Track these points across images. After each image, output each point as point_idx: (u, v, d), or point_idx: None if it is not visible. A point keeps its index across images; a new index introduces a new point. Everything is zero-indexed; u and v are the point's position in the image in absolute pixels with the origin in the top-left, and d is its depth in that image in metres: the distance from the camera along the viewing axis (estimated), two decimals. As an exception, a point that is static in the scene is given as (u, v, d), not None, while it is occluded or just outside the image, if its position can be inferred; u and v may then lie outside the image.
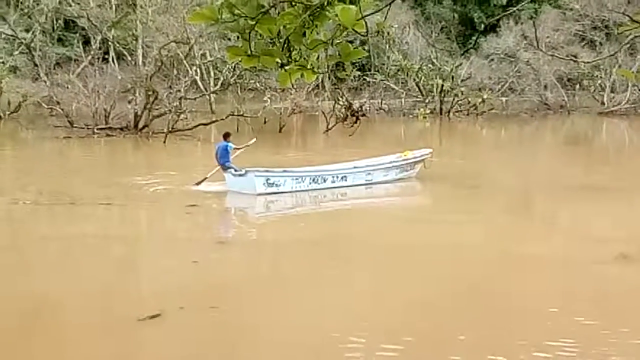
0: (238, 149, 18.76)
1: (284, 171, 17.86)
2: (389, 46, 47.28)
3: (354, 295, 9.87)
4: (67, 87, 35.43)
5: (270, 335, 8.34)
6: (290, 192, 17.42)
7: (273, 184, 17.32)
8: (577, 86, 45.95)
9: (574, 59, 38.21)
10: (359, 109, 37.71)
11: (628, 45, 39.03)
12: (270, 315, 9.01)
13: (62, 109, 33.51)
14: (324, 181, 17.98)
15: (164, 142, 28.65)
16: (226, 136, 18.83)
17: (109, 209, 15.92)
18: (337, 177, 18.22)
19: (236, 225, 15.54)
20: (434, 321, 8.62)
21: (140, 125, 31.91)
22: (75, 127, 32.18)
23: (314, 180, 17.87)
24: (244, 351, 8.02)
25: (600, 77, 43.66)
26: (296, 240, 13.58)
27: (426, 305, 9.22)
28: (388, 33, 44.60)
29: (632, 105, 42.61)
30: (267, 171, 17.55)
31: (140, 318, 8.62)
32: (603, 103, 43.79)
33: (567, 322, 8.51)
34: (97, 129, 31.65)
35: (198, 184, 17.98)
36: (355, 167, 18.85)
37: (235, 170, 17.74)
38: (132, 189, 17.97)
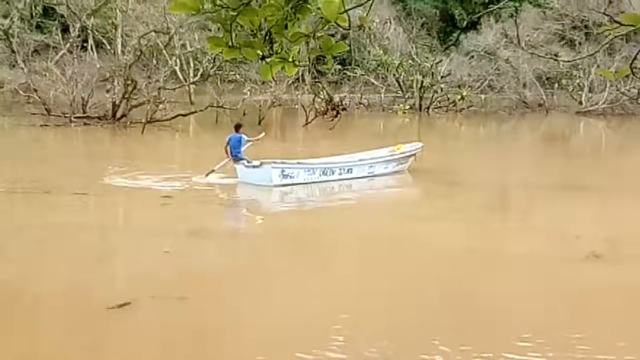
0: (250, 141, 18.65)
1: (298, 163, 18.05)
2: (370, 41, 47.39)
3: (328, 288, 9.85)
4: (45, 75, 35.08)
5: (239, 326, 8.34)
6: (303, 183, 17.56)
7: (287, 175, 17.43)
8: (556, 85, 46.25)
9: (554, 57, 38.42)
10: (339, 103, 37.74)
11: (607, 46, 39.33)
12: (242, 306, 9.01)
13: (40, 97, 33.21)
14: (332, 173, 18.26)
15: (142, 132, 28.48)
16: (238, 127, 18.78)
17: (84, 198, 15.80)
18: (344, 169, 18.55)
19: (211, 217, 15.38)
20: (409, 317, 8.63)
21: (118, 115, 31.70)
22: (53, 115, 31.92)
23: (323, 172, 18.11)
24: (212, 340, 7.99)
25: (579, 76, 43.92)
26: (272, 232, 13.56)
27: (403, 301, 9.24)
28: (369, 28, 44.66)
29: (609, 105, 42.94)
30: (283, 163, 17.66)
31: (109, 306, 8.61)
32: (581, 102, 44.09)
33: (535, 320, 8.55)
34: (75, 118, 31.40)
35: (207, 175, 17.81)
36: (360, 160, 19.23)
37: (248, 162, 17.71)
38: (108, 178, 17.86)
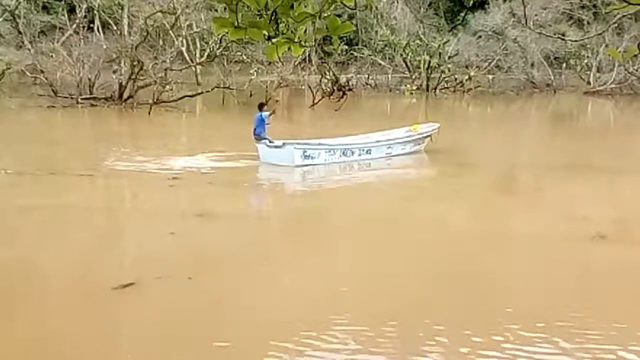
0: (271, 114, 18.71)
1: (319, 144, 18.27)
2: (377, 21, 47.17)
3: (336, 269, 9.87)
4: (52, 56, 35.12)
5: (244, 307, 8.36)
6: (324, 164, 17.78)
7: (309, 156, 17.67)
8: (564, 65, 45.99)
9: (562, 37, 38.19)
10: (346, 83, 37.64)
11: (615, 25, 39.04)
12: (247, 287, 9.05)
13: (46, 78, 33.26)
14: (352, 154, 18.49)
15: (149, 113, 28.50)
16: (261, 107, 18.87)
17: (90, 179, 15.84)
18: (363, 150, 18.75)
19: (218, 198, 15.31)
20: (414, 298, 8.64)
21: (124, 96, 31.72)
22: (59, 96, 31.98)
23: (343, 152, 18.35)
24: (216, 320, 8.02)
25: (587, 56, 43.71)
26: (280, 214, 13.57)
27: (408, 281, 9.26)
28: (376, 7, 44.46)
29: (618, 85, 42.72)
30: (305, 143, 17.93)
31: (114, 287, 8.69)
32: (589, 82, 43.89)
33: (539, 300, 8.55)
34: (81, 99, 31.45)
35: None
36: (378, 141, 19.44)
37: (270, 142, 17.86)
38: (115, 160, 17.88)
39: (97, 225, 12.38)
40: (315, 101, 33.32)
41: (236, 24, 3.20)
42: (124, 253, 11.03)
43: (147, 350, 7.32)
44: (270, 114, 18.53)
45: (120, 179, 16.24)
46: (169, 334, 7.62)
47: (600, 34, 38.24)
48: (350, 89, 37.37)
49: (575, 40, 38.85)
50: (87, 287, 9.02)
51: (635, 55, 3.41)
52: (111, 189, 15.70)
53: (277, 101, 19.73)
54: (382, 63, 46.04)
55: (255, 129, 18.18)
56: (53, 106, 30.50)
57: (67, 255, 10.48)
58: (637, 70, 42.26)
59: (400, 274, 9.55)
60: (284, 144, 17.59)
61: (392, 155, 19.20)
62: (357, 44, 47.23)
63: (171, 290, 8.83)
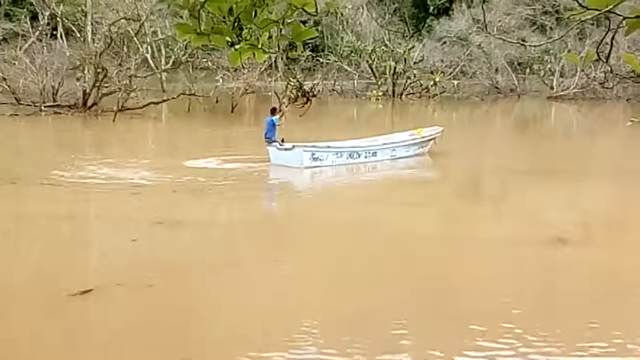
0: (281, 116, 19.23)
1: (328, 146, 18.75)
2: (343, 27, 47.28)
3: (302, 275, 9.86)
4: (14, 64, 34.64)
5: (205, 314, 8.35)
6: (331, 165, 18.27)
7: (317, 158, 18.18)
8: (527, 70, 46.50)
9: (523, 43, 38.66)
10: (311, 89, 37.65)
11: (577, 30, 39.58)
12: (208, 294, 9.06)
13: (9, 86, 32.78)
14: (359, 156, 18.96)
15: (114, 120, 28.24)
16: (273, 111, 19.35)
17: (52, 188, 15.60)
18: (369, 152, 19.24)
19: (182, 205, 15.05)
20: (380, 303, 8.66)
21: (89, 103, 31.39)
22: (22, 104, 31.56)
23: (350, 155, 18.82)
24: (176, 327, 7.97)
25: (550, 61, 44.23)
26: (244, 221, 13.51)
27: (376, 284, 9.27)
28: (342, 14, 44.59)
29: (580, 90, 43.25)
30: (313, 146, 18.38)
31: (72, 293, 8.62)
32: (552, 87, 44.40)
33: (501, 304, 8.60)
34: (45, 107, 31.07)
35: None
36: (383, 144, 19.89)
37: (280, 145, 18.30)
38: (79, 168, 17.67)
39: (58, 233, 12.24)
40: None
41: (199, 30, 3.19)
42: (84, 260, 10.94)
43: (104, 357, 7.25)
44: (280, 116, 19.12)
45: (83, 187, 16.01)
46: (127, 340, 7.57)
47: (561, 38, 38.73)
48: (314, 95, 37.39)
49: (537, 45, 39.33)
50: (45, 293, 8.93)
51: (596, 60, 3.46)
52: (73, 197, 15.45)
53: (285, 112, 20.10)
54: (348, 69, 46.17)
55: (266, 133, 18.72)
56: (16, 114, 30.10)
57: (26, 262, 10.42)
58: (598, 76, 42.83)
59: (367, 276, 9.57)
60: (293, 146, 18.05)
61: (397, 158, 19.62)
62: (323, 50, 47.32)
63: (131, 296, 8.77)
